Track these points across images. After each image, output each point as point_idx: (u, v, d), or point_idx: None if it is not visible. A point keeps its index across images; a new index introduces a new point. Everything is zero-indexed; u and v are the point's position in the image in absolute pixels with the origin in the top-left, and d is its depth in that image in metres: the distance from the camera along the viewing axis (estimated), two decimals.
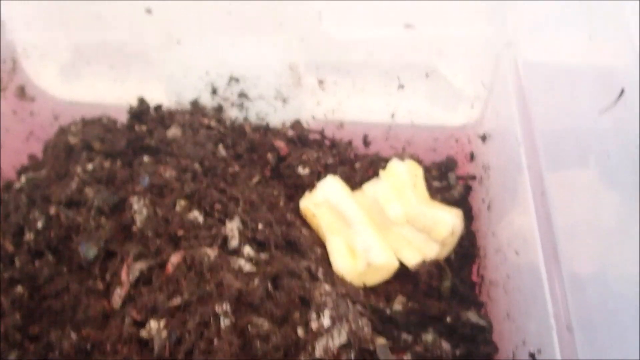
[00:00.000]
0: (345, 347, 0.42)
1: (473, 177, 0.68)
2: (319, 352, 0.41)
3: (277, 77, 0.67)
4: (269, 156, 0.70)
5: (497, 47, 0.60)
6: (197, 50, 0.65)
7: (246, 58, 0.66)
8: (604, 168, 0.39)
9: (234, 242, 0.54)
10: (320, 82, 0.68)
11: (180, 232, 0.55)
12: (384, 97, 0.68)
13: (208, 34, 0.63)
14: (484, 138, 0.65)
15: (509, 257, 0.54)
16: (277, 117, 0.72)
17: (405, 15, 0.60)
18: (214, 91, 0.70)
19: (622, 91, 0.35)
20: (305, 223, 0.68)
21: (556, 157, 0.47)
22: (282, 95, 0.69)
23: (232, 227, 0.55)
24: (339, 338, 0.42)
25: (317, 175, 0.70)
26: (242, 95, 0.70)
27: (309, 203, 0.67)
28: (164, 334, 0.44)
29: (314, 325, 0.43)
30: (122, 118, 0.71)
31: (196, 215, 0.57)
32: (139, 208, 0.56)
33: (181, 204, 0.59)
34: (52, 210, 0.58)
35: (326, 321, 0.43)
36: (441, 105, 0.68)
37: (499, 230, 0.58)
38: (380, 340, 0.44)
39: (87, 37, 0.67)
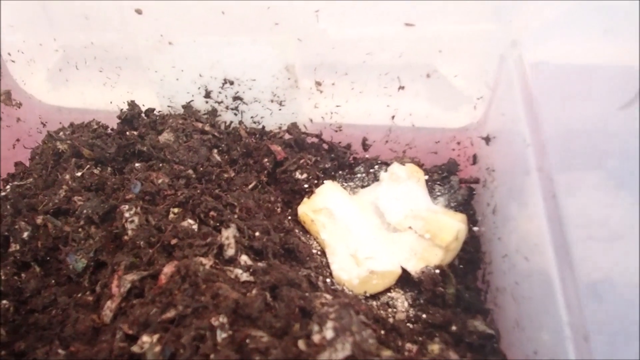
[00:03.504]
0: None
1: (477, 181, 0.66)
2: None
3: (273, 80, 0.65)
4: (265, 161, 0.68)
5: (502, 46, 0.58)
6: (190, 52, 0.63)
7: (241, 60, 0.63)
8: (619, 169, 0.37)
9: (230, 251, 0.51)
10: (318, 84, 0.66)
11: (174, 241, 0.52)
12: (384, 99, 0.66)
13: (201, 35, 0.61)
14: (487, 140, 0.62)
15: (517, 263, 0.51)
16: (273, 120, 0.69)
17: (406, 13, 0.57)
18: (208, 94, 0.67)
19: None
20: (303, 230, 0.66)
21: (566, 158, 0.45)
22: (278, 98, 0.67)
23: (228, 235, 0.52)
24: (342, 351, 0.39)
25: (315, 180, 0.68)
26: (237, 98, 0.67)
27: (307, 209, 0.65)
28: (157, 349, 0.41)
29: (316, 337, 0.40)
30: (113, 123, 0.69)
31: (190, 223, 0.55)
32: (130, 216, 0.54)
33: (174, 211, 0.57)
34: (39, 219, 0.55)
35: (329, 333, 0.40)
36: (443, 106, 0.66)
37: (505, 234, 0.56)
38: (386, 353, 0.42)
39: (75, 40, 0.64)
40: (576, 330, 0.40)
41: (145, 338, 0.42)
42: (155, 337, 0.42)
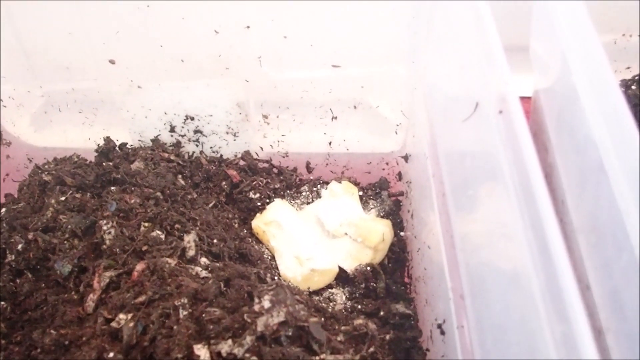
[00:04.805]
0: (283, 324, 0.50)
1: (401, 193, 0.79)
2: (260, 327, 0.49)
3: (227, 115, 0.78)
4: (224, 184, 0.80)
5: (411, 81, 0.72)
6: (156, 94, 0.75)
7: (199, 99, 0.76)
8: (479, 171, 0.50)
9: (191, 252, 0.63)
10: (265, 117, 0.78)
11: (145, 248, 0.63)
12: (321, 128, 0.79)
13: (165, 79, 0.73)
14: (406, 158, 0.75)
15: (425, 252, 0.64)
16: (229, 149, 0.82)
17: (332, 57, 0.71)
18: (172, 129, 0.79)
19: (477, 105, 0.46)
20: (257, 240, 0.77)
21: (451, 164, 0.58)
22: (232, 130, 0.79)
23: (189, 240, 0.64)
24: (277, 317, 0.51)
25: (266, 199, 0.80)
26: (197, 131, 0.80)
27: (259, 222, 0.77)
28: (132, 324, 0.52)
29: (256, 307, 0.52)
30: (91, 157, 0.80)
31: (158, 233, 0.66)
32: (108, 229, 0.65)
33: (145, 225, 0.67)
34: (31, 235, 0.65)
35: (266, 304, 0.52)
36: (370, 132, 0.79)
37: (419, 232, 0.68)
38: (314, 319, 0.53)
39: (58, 87, 0.76)
40: (456, 292, 0.52)
41: (121, 316, 0.53)
42: (130, 315, 0.53)
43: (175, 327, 0.51)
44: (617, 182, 0.44)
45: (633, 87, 0.76)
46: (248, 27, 0.67)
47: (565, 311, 0.34)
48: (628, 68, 0.81)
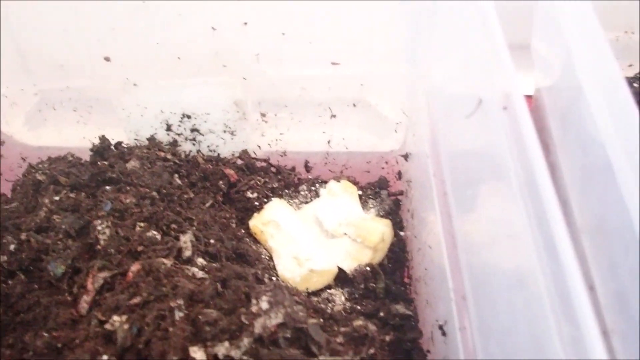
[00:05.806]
0: (281, 325, 0.49)
1: (401, 193, 0.78)
2: (258, 329, 0.48)
3: (224, 113, 0.76)
4: (221, 183, 0.78)
5: (412, 79, 0.71)
6: (152, 92, 0.74)
7: (196, 97, 0.74)
8: (482, 169, 0.49)
9: (187, 253, 0.61)
10: (263, 116, 0.77)
11: (140, 248, 0.62)
12: (320, 127, 0.78)
13: (161, 77, 0.72)
14: (406, 157, 0.74)
15: (426, 253, 0.63)
16: (227, 148, 0.80)
17: (331, 54, 0.70)
18: (169, 128, 0.78)
19: (480, 101, 0.45)
20: (255, 240, 0.76)
21: (453, 164, 0.57)
22: (230, 129, 0.78)
23: (186, 240, 0.62)
24: (276, 318, 0.49)
25: (264, 199, 0.79)
26: (194, 130, 0.78)
27: (257, 222, 0.75)
28: (126, 326, 0.50)
29: (253, 308, 0.50)
30: (86, 156, 0.79)
31: (154, 233, 0.64)
32: (102, 229, 0.64)
33: (140, 225, 0.66)
34: (23, 236, 0.64)
35: (264, 305, 0.50)
36: (370, 131, 0.78)
37: (419, 232, 0.67)
38: (312, 321, 0.52)
39: (52, 85, 0.75)
40: (458, 293, 0.51)
41: (115, 317, 0.51)
42: (124, 317, 0.52)
43: (170, 329, 0.50)
44: (625, 180, 0.43)
45: (635, 84, 0.75)
46: (246, 23, 0.65)
47: (573, 313, 0.33)
48: (630, 65, 0.80)
